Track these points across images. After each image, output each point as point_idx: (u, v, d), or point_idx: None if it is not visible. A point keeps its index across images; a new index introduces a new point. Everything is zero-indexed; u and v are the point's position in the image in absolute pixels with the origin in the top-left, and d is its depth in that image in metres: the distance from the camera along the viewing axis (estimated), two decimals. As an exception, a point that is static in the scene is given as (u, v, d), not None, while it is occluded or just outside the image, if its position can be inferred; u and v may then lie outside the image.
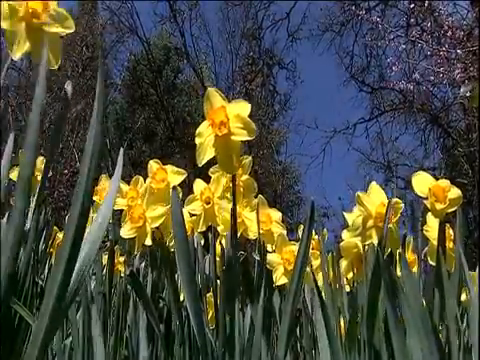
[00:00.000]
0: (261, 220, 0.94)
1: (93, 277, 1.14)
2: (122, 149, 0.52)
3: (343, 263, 0.94)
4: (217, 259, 1.01)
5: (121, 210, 0.96)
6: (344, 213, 0.93)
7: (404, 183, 8.34)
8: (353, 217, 0.87)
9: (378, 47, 8.42)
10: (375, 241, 0.82)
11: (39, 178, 1.25)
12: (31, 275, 0.86)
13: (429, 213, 0.85)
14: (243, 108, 0.64)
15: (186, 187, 0.99)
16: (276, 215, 1.04)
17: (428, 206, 0.82)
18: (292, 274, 0.64)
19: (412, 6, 6.88)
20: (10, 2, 0.55)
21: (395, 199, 0.84)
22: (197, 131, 0.66)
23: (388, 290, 0.60)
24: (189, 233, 0.96)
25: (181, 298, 0.85)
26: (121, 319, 0.91)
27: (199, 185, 0.97)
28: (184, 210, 0.96)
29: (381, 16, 7.93)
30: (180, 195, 0.94)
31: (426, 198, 0.83)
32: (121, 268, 1.23)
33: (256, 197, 0.99)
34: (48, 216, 1.21)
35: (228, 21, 10.65)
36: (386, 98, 9.38)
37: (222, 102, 0.64)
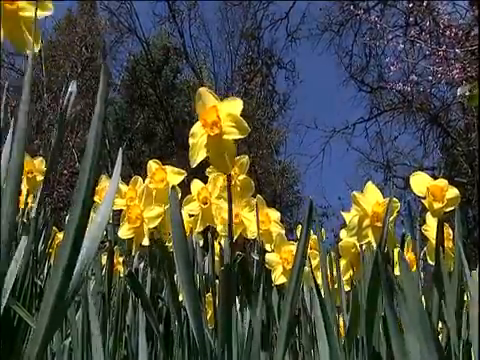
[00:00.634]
0: (260, 220, 0.94)
1: (92, 277, 1.14)
2: (121, 149, 0.52)
3: (342, 262, 0.94)
4: (216, 259, 1.01)
5: (120, 210, 0.97)
6: (342, 213, 0.93)
7: (403, 183, 8.35)
8: (350, 217, 0.87)
9: (377, 47, 8.44)
10: (372, 240, 0.82)
11: (38, 179, 1.25)
12: (30, 275, 0.86)
13: (428, 213, 0.86)
14: (235, 106, 0.63)
15: (185, 187, 0.99)
16: (275, 215, 1.04)
17: (426, 205, 0.83)
18: (291, 273, 0.64)
19: (411, 6, 6.88)
20: None
21: (392, 198, 0.84)
22: (191, 131, 0.65)
23: (386, 290, 0.61)
24: (188, 233, 0.96)
25: (180, 298, 0.85)
26: (120, 319, 0.91)
27: (196, 185, 0.98)
28: (183, 210, 0.96)
29: (380, 16, 7.94)
30: (179, 195, 0.94)
31: (424, 198, 0.83)
32: (120, 268, 1.24)
33: (255, 197, 0.99)
34: (47, 216, 1.21)
35: (227, 21, 10.67)
36: (385, 98, 9.40)
37: (214, 101, 0.64)
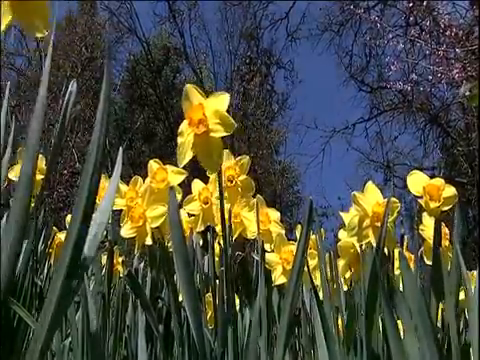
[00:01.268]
0: (260, 220, 0.94)
1: (92, 277, 1.14)
2: (121, 149, 0.52)
3: (341, 263, 0.94)
4: (216, 259, 1.01)
5: (120, 210, 0.97)
6: (341, 213, 0.93)
7: (403, 182, 8.34)
8: (349, 217, 0.87)
9: (377, 47, 8.44)
10: (372, 240, 0.82)
11: (38, 178, 1.25)
12: (30, 275, 0.86)
13: (424, 212, 0.85)
14: (221, 102, 0.62)
15: (186, 187, 0.99)
16: (275, 215, 1.04)
17: (423, 205, 0.82)
18: (291, 274, 0.64)
19: (411, 5, 6.88)
20: None
21: (392, 198, 0.84)
22: (179, 130, 0.65)
23: (385, 290, 0.61)
24: (188, 233, 0.96)
25: (180, 298, 0.85)
26: (120, 319, 0.91)
27: (197, 185, 0.98)
28: (183, 210, 0.96)
29: (380, 15, 7.93)
30: (180, 195, 0.94)
31: (421, 197, 0.83)
32: (120, 268, 1.24)
33: (255, 197, 0.99)
34: (47, 216, 1.21)
35: (227, 21, 10.65)
36: (385, 98, 9.40)
37: (200, 99, 0.63)
